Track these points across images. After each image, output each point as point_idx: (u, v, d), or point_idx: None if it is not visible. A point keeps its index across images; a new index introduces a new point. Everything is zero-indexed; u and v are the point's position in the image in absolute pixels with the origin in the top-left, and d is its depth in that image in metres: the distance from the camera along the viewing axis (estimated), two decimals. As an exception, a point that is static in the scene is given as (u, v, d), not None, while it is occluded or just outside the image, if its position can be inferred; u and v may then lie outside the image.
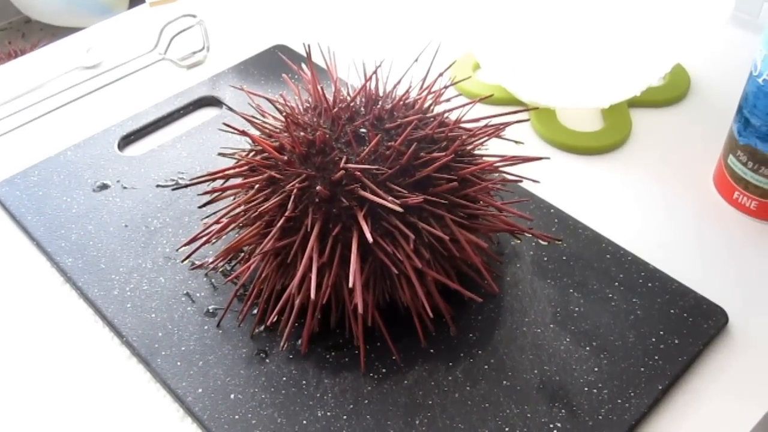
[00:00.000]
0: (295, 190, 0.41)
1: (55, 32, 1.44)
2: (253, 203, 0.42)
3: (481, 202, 0.44)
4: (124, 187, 0.52)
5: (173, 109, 0.59)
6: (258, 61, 0.63)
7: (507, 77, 0.56)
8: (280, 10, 0.66)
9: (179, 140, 0.56)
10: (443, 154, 0.41)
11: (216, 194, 0.45)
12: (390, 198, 0.39)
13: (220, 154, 0.47)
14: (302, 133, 0.42)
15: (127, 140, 0.57)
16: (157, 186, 0.52)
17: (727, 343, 0.44)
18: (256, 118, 0.45)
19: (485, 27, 0.53)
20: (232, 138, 0.55)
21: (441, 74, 0.46)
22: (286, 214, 0.40)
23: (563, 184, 0.53)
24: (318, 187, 0.40)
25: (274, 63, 0.63)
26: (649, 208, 0.52)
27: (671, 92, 0.60)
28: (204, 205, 0.46)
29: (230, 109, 0.50)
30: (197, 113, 0.59)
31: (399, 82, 0.46)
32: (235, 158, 0.46)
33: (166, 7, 0.65)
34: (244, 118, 0.45)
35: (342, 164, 0.40)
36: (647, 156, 0.56)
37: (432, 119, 0.43)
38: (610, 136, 0.56)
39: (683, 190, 0.53)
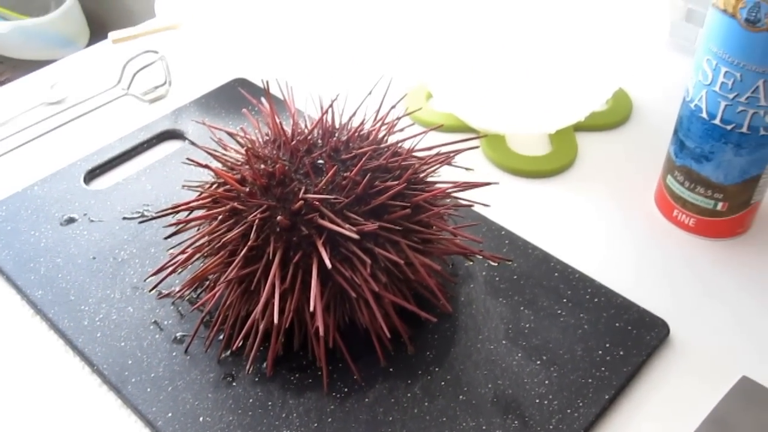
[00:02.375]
0: (256, 221, 0.43)
1: (17, 65, 1.44)
2: (216, 234, 0.44)
3: (435, 227, 0.46)
4: (91, 220, 0.54)
5: (137, 143, 0.60)
6: (218, 94, 0.65)
7: (458, 106, 0.59)
8: (239, 45, 0.68)
9: (144, 173, 0.57)
10: (396, 182, 0.43)
11: (181, 226, 0.47)
12: (347, 226, 0.41)
13: (184, 186, 0.49)
14: (262, 166, 0.44)
15: (92, 174, 0.58)
16: (124, 218, 0.54)
17: (669, 353, 0.47)
18: (218, 152, 0.48)
19: (436, 58, 0.56)
20: (195, 170, 0.57)
21: (394, 106, 0.49)
22: (249, 243, 0.42)
23: (513, 207, 0.56)
24: (279, 217, 0.42)
25: (234, 96, 0.65)
26: (594, 227, 0.55)
27: (614, 116, 0.63)
28: (170, 236, 0.48)
29: (192, 143, 0.52)
30: (161, 146, 0.61)
31: (354, 114, 0.48)
32: (198, 190, 0.48)
33: (129, 44, 0.67)
34: (207, 152, 0.47)
35: (301, 195, 0.42)
36: (592, 178, 0.59)
37: (386, 149, 0.46)
38: (557, 160, 0.59)
39: (627, 210, 0.56)
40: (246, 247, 0.42)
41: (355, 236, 0.41)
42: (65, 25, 1.43)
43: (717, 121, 0.49)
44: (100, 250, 0.52)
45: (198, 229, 0.47)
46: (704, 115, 0.49)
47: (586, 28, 0.63)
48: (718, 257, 0.53)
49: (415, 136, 0.48)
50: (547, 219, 0.55)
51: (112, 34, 0.65)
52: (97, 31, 1.51)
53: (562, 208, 0.56)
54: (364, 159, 0.43)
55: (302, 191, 0.43)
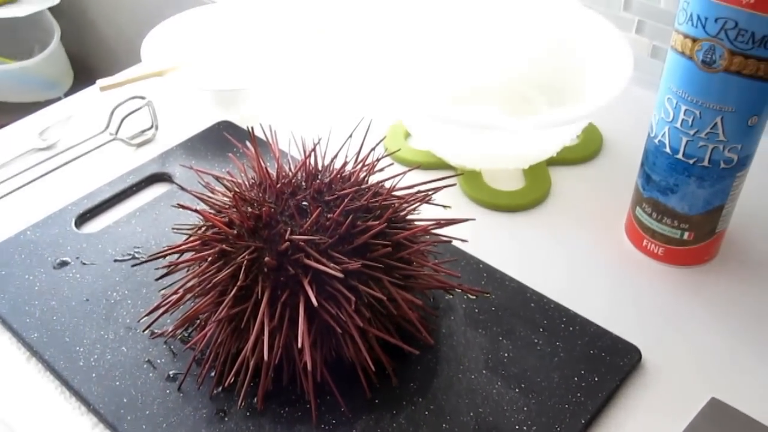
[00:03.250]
0: (245, 262, 0.45)
1: (2, 108, 1.46)
2: (207, 275, 0.46)
3: (415, 263, 0.48)
4: (84, 263, 0.56)
5: (126, 186, 0.62)
6: (204, 137, 0.67)
7: (435, 144, 0.62)
8: (224, 88, 0.70)
9: (133, 216, 0.59)
10: (377, 222, 0.46)
11: (172, 267, 0.49)
12: (332, 265, 0.43)
13: (173, 229, 0.51)
14: (249, 209, 0.46)
15: (83, 218, 0.60)
16: (115, 261, 0.56)
17: (642, 377, 0.49)
18: (206, 195, 0.50)
19: (412, 98, 0.59)
20: (184, 212, 0.59)
21: (373, 148, 0.51)
22: (238, 283, 0.44)
23: (490, 241, 0.58)
24: (266, 258, 0.44)
25: (219, 138, 0.67)
26: (568, 258, 0.57)
27: (585, 151, 0.66)
28: (161, 277, 0.50)
29: (181, 187, 0.54)
30: (149, 189, 0.63)
31: (336, 156, 0.50)
32: (188, 233, 0.50)
33: (116, 90, 0.69)
34: (195, 196, 0.49)
35: (287, 236, 0.44)
36: (566, 210, 0.61)
37: (367, 190, 0.48)
38: (531, 194, 0.61)
39: (599, 240, 0.59)
40: (235, 288, 0.44)
41: (340, 275, 0.43)
42: (50, 69, 1.45)
43: (680, 156, 0.51)
44: (93, 292, 0.54)
45: (188, 271, 0.49)
46: (668, 150, 0.52)
47: (555, 65, 0.66)
48: (686, 284, 0.55)
49: (395, 176, 0.50)
50: (523, 251, 0.57)
51: (100, 82, 0.67)
52: (81, 73, 1.54)
53: (538, 241, 0.58)
54: (346, 200, 0.46)
55: (288, 233, 0.45)
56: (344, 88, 0.74)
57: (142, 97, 0.68)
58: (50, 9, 1.43)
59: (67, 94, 1.51)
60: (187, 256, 0.49)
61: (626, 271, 0.56)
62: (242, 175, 0.51)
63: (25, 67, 1.42)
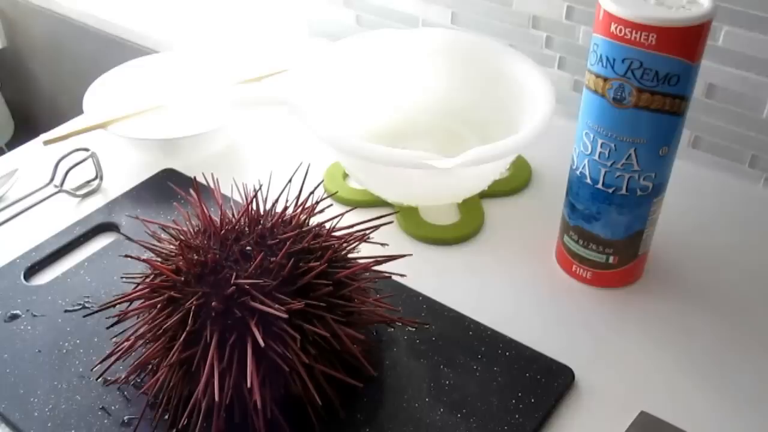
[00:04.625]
0: (193, 307, 0.47)
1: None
2: (156, 321, 0.48)
3: (356, 300, 0.51)
4: (34, 315, 0.57)
5: (73, 238, 0.64)
6: (149, 185, 0.69)
7: (370, 184, 0.64)
8: (165, 137, 0.72)
9: (82, 266, 0.61)
10: (318, 263, 0.48)
11: (122, 315, 0.51)
12: (276, 306, 0.46)
13: (123, 278, 0.53)
14: (195, 256, 0.48)
15: (32, 270, 0.62)
16: (65, 311, 0.57)
17: (576, 396, 0.52)
18: (152, 244, 0.52)
19: (345, 140, 0.61)
20: (132, 261, 0.61)
21: (312, 191, 0.54)
22: (187, 329, 0.46)
23: (428, 274, 0.61)
24: (213, 303, 0.46)
25: (163, 186, 0.69)
26: (503, 286, 0.60)
27: (515, 182, 0.69)
28: (112, 325, 0.51)
29: (128, 237, 0.56)
30: (96, 239, 0.64)
31: (276, 201, 0.53)
32: (136, 282, 0.52)
33: (59, 142, 0.71)
34: (142, 245, 0.51)
35: (233, 280, 0.47)
36: (499, 240, 0.64)
37: (308, 232, 0.51)
38: (466, 227, 0.64)
39: (531, 268, 0.62)
40: (185, 332, 0.46)
41: (284, 315, 0.45)
42: (-10, 119, 1.46)
43: (600, 186, 0.55)
44: (45, 343, 0.55)
45: (138, 318, 0.51)
46: (589, 180, 0.55)
47: (484, 103, 0.69)
48: (614, 305, 0.59)
49: (334, 218, 0.53)
50: (460, 282, 0.60)
51: (44, 136, 0.68)
52: (22, 122, 1.53)
53: (473, 271, 0.61)
54: (288, 244, 0.48)
55: (233, 277, 0.47)
56: (284, 132, 0.77)
57: (86, 149, 0.69)
58: (-10, 60, 1.43)
59: (8, 144, 1.50)
60: (137, 304, 0.50)
61: (558, 295, 0.59)
62: (187, 222, 0.53)
63: (-36, 118, 1.42)
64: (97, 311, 0.50)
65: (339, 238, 0.52)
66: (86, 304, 0.58)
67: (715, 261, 0.63)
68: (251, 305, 0.46)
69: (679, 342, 0.56)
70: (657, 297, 0.59)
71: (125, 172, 0.71)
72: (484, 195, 0.67)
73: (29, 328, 0.56)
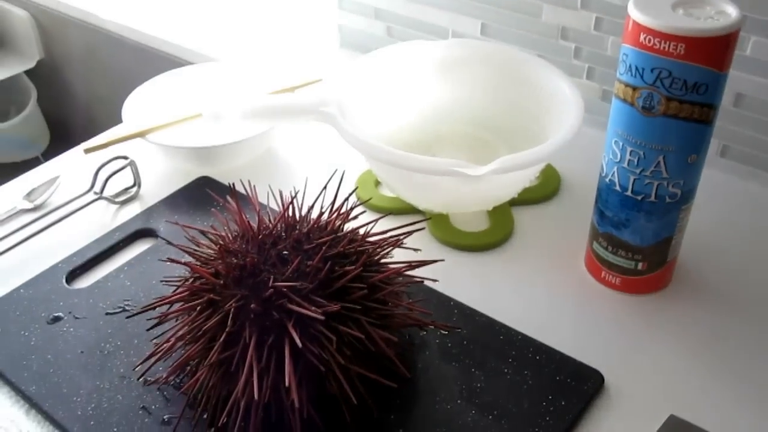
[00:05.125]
0: (232, 309, 0.48)
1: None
2: (196, 323, 0.50)
3: (390, 303, 0.52)
4: (76, 318, 0.59)
5: (113, 243, 0.66)
6: (185, 193, 0.71)
7: (402, 191, 0.66)
8: (202, 145, 0.74)
9: (122, 271, 0.63)
10: (354, 267, 0.50)
11: (162, 317, 0.53)
12: (313, 308, 0.47)
13: (162, 282, 0.55)
14: (234, 260, 0.50)
15: (74, 274, 0.63)
16: (107, 314, 0.59)
17: (605, 399, 0.53)
18: (191, 248, 0.53)
19: (378, 148, 0.63)
20: (169, 265, 0.62)
21: (347, 198, 0.55)
22: (227, 330, 0.48)
23: (460, 279, 0.62)
24: (252, 305, 0.48)
25: (200, 194, 0.71)
26: (533, 291, 0.61)
27: (545, 190, 0.70)
28: (152, 327, 0.53)
29: (168, 242, 0.58)
30: (135, 245, 0.66)
31: (312, 207, 0.54)
32: (176, 285, 0.53)
33: (99, 152, 0.73)
34: (181, 250, 0.53)
35: (271, 283, 0.48)
36: (528, 247, 0.65)
37: (343, 237, 0.52)
38: (496, 234, 0.65)
39: (561, 274, 0.63)
40: (224, 333, 0.48)
41: (321, 317, 0.46)
42: (27, 130, 1.49)
43: (629, 193, 0.56)
44: (87, 344, 0.57)
45: (178, 320, 0.52)
46: (618, 188, 0.56)
47: (513, 112, 0.70)
48: (643, 311, 0.59)
49: (368, 223, 0.54)
50: (490, 288, 0.61)
51: (84, 145, 0.70)
52: (58, 132, 1.57)
53: (504, 277, 0.62)
54: (324, 248, 0.50)
55: (271, 280, 0.48)
56: (317, 141, 0.78)
57: (125, 157, 0.71)
58: (26, 72, 1.47)
59: (44, 154, 1.54)
60: (177, 306, 0.52)
61: (587, 301, 0.60)
62: (225, 228, 0.55)
63: (1, 129, 1.45)
64: (137, 313, 0.52)
65: (373, 243, 0.53)
66: (126, 307, 0.59)
67: (743, 267, 0.63)
68: (288, 307, 0.48)
69: (708, 347, 0.56)
70: (685, 303, 0.60)
71: (162, 180, 0.73)
72: (513, 203, 0.68)
73: (71, 330, 0.58)
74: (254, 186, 0.58)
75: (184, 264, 0.50)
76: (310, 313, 0.47)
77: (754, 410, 0.52)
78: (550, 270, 0.63)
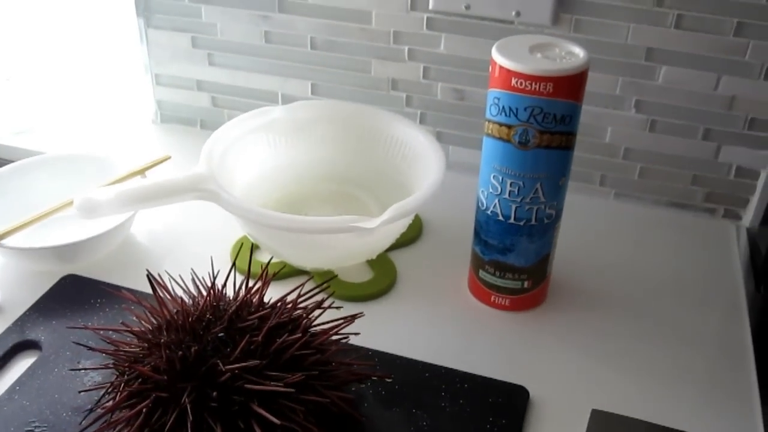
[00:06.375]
0: (188, 403, 0.47)
1: None
2: (154, 427, 0.47)
3: (334, 363, 0.53)
4: (-22, 453, 0.53)
5: (-11, 364, 0.60)
6: (54, 295, 0.66)
7: (289, 255, 0.67)
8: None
9: (14, 392, 0.57)
10: (297, 335, 0.50)
11: (102, 427, 0.50)
12: (276, 383, 0.47)
13: (82, 391, 0.51)
14: (168, 352, 0.48)
15: (-47, 408, 0.57)
16: (15, 441, 0.54)
17: (533, 409, 0.57)
18: (116, 349, 0.51)
19: (260, 213, 0.63)
20: (69, 375, 0.58)
21: (264, 273, 0.55)
22: (190, 427, 0.46)
23: (367, 328, 0.63)
24: (215, 393, 0.47)
25: (72, 293, 0.66)
26: (433, 326, 0.65)
27: (412, 232, 0.74)
28: (85, 443, 0.50)
29: (90, 348, 0.53)
30: (15, 362, 0.61)
31: (224, 285, 0.54)
32: (101, 391, 0.51)
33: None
34: (104, 352, 0.50)
35: (225, 368, 0.47)
36: (414, 287, 0.69)
37: (275, 309, 0.52)
38: (385, 280, 0.68)
39: (452, 305, 0.67)
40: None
41: (291, 390, 0.47)
42: None
43: (512, 221, 0.61)
44: (3, 479, 0.52)
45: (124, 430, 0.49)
46: (501, 218, 0.62)
47: (373, 166, 0.74)
48: (535, 324, 0.65)
49: (293, 291, 0.55)
50: (395, 330, 0.64)
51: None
52: None
53: (403, 318, 0.66)
54: (270, 322, 0.50)
55: (221, 364, 0.48)
56: (175, 219, 0.77)
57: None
58: None
59: None
60: (119, 414, 0.49)
61: (484, 325, 0.65)
62: (142, 321, 0.53)
63: None
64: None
65: (303, 309, 0.54)
66: (36, 430, 0.55)
67: (596, 270, 0.72)
68: (248, 388, 0.47)
69: (596, 343, 0.64)
70: (566, 310, 0.67)
71: (22, 286, 0.68)
72: (388, 249, 0.72)
73: (-23, 467, 0.53)
74: (159, 275, 0.56)
75: (132, 367, 0.48)
76: (278, 388, 0.47)
77: (649, 384, 0.60)
78: (442, 303, 0.67)
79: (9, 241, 0.67)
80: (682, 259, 0.74)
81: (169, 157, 0.75)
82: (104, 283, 0.68)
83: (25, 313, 0.65)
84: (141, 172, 0.74)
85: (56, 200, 0.72)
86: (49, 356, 0.61)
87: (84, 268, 0.70)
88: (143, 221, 0.76)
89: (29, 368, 0.60)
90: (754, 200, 0.77)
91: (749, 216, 0.78)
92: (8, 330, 0.63)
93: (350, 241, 0.63)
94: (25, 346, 0.62)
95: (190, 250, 0.73)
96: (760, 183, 0.76)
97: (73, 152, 0.78)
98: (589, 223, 0.78)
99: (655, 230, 0.78)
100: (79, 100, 0.96)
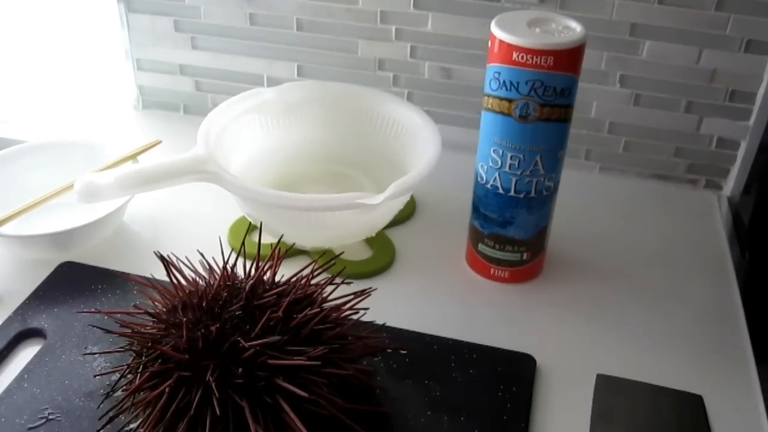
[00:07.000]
0: (212, 383, 0.47)
1: None
2: (179, 405, 0.47)
3: (350, 337, 0.54)
4: (-7, 441, 0.53)
5: (-5, 352, 0.59)
6: (53, 283, 0.65)
7: (291, 234, 0.67)
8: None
9: (22, 380, 0.57)
10: (315, 310, 0.51)
11: (118, 410, 0.50)
12: (300, 358, 0.48)
13: (97, 375, 0.51)
14: (199, 331, 0.48)
15: (-39, 399, 0.56)
16: (29, 429, 0.53)
17: (540, 377, 0.59)
18: (134, 330, 0.51)
19: (274, 196, 0.63)
20: (79, 360, 0.58)
21: (277, 250, 0.56)
22: (216, 406, 0.46)
23: (373, 304, 0.63)
24: (240, 370, 0.47)
25: (71, 280, 0.66)
26: (436, 299, 0.66)
27: (407, 210, 0.75)
28: (103, 426, 0.50)
29: (107, 330, 0.53)
30: (20, 350, 0.60)
31: (234, 265, 0.54)
32: (118, 374, 0.51)
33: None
34: (123, 335, 0.50)
35: (247, 344, 0.48)
36: (413, 262, 0.70)
37: (290, 285, 0.53)
38: (385, 257, 0.69)
39: (452, 279, 0.68)
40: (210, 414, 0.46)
41: (317, 363, 0.47)
42: None
43: (512, 193, 0.63)
44: (22, 466, 0.51)
45: (138, 411, 0.50)
46: (501, 191, 0.63)
47: (364, 144, 0.74)
48: (535, 294, 0.67)
49: (303, 269, 0.55)
50: (400, 305, 0.65)
51: None
52: None
53: (406, 293, 0.66)
54: (288, 297, 0.50)
55: (242, 341, 0.48)
56: (168, 203, 0.76)
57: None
58: None
59: None
60: (143, 395, 0.49)
61: (485, 297, 0.66)
62: (156, 303, 0.53)
63: None
64: (112, 417, 0.48)
65: (316, 285, 0.54)
66: (50, 416, 0.54)
67: (586, 241, 0.73)
68: (272, 363, 0.48)
69: (598, 311, 0.65)
70: (564, 280, 0.68)
71: (19, 275, 0.67)
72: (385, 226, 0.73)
73: (-6, 456, 0.52)
74: (169, 255, 0.56)
75: (156, 348, 0.48)
76: (303, 362, 0.47)
77: (648, 348, 0.62)
78: (442, 277, 0.68)
79: (3, 230, 0.67)
80: (668, 229, 0.76)
81: (160, 142, 0.75)
82: (103, 269, 0.67)
83: (25, 302, 0.64)
84: (132, 156, 0.73)
85: (45, 188, 0.71)
86: (54, 343, 0.60)
87: (79, 255, 0.69)
88: (133, 207, 0.76)
89: (36, 356, 0.59)
90: (735, 170, 0.80)
91: (730, 185, 0.81)
92: (10, 319, 0.62)
93: (352, 219, 0.64)
94: (28, 334, 0.61)
95: (184, 233, 0.73)
96: (740, 153, 0.79)
97: (59, 139, 0.77)
98: (576, 197, 0.80)
99: (639, 202, 0.80)
100: (60, 87, 0.95)
